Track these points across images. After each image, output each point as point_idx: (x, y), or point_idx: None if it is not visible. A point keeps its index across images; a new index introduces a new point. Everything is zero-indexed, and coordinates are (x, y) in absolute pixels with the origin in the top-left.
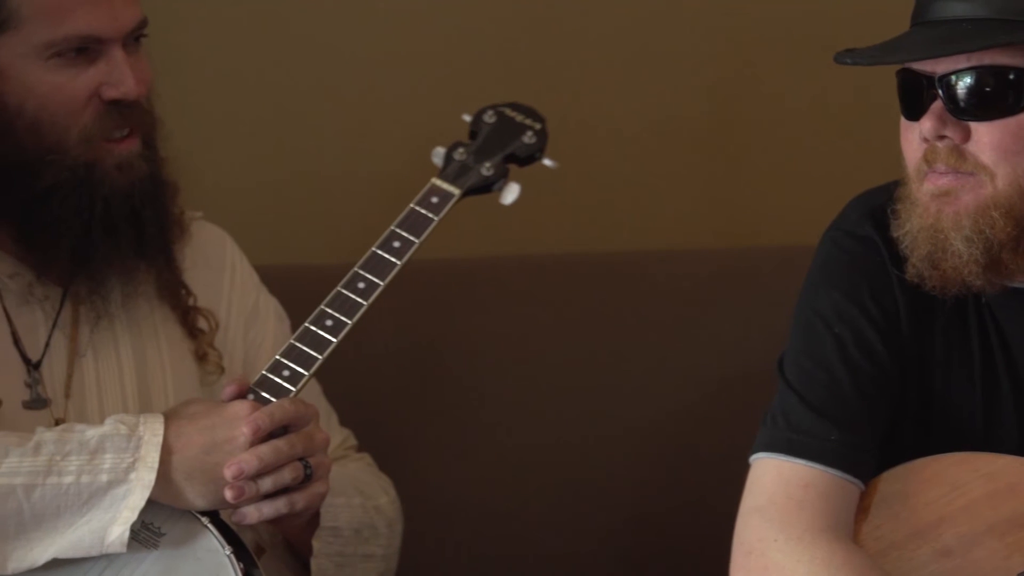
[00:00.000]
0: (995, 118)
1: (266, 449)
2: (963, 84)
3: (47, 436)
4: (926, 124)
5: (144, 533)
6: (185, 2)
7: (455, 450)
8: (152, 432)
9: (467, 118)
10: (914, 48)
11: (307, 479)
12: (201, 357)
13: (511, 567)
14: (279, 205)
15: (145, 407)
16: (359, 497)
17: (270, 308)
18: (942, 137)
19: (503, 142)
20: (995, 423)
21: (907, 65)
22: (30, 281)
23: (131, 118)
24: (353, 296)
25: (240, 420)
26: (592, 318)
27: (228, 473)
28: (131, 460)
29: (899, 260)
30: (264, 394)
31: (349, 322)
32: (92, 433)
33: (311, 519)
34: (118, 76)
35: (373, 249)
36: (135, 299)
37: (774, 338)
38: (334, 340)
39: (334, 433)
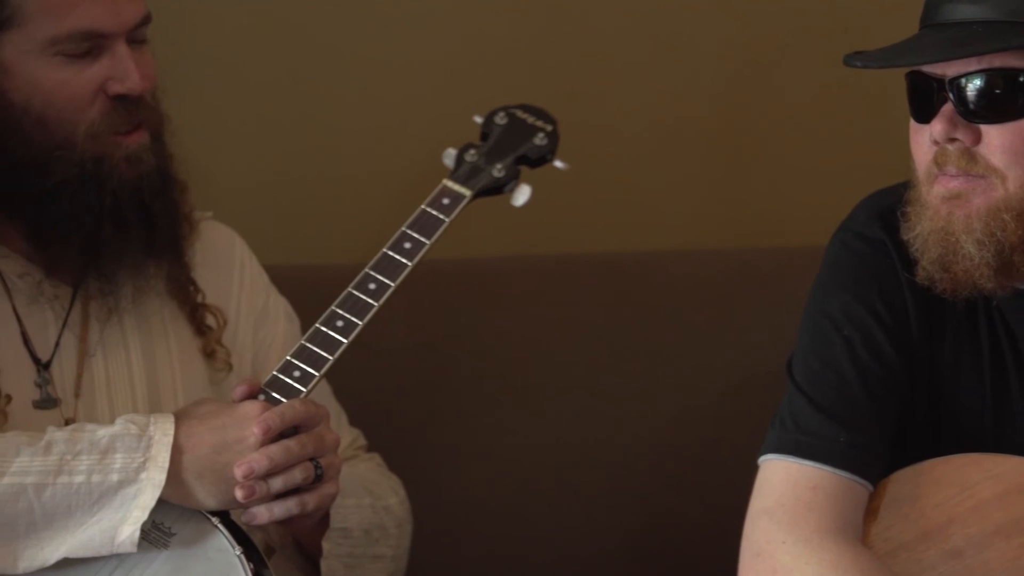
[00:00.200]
0: (1006, 120)
1: (276, 449)
2: (974, 87)
3: (58, 436)
4: (937, 127)
5: (154, 533)
6: (196, 4)
7: (465, 450)
8: (163, 432)
9: (478, 119)
10: (925, 51)
11: (318, 479)
12: (209, 354)
13: (520, 567)
14: (290, 206)
15: (154, 407)
16: (369, 498)
17: (280, 308)
18: (953, 140)
19: (514, 144)
20: (1004, 424)
21: (917, 68)
22: (39, 280)
23: (137, 113)
24: (364, 297)
25: (251, 420)
26: (602, 319)
27: (239, 472)
28: (142, 460)
29: (909, 262)
30: (275, 394)
31: (360, 323)
32: (103, 433)
33: (321, 520)
34: (123, 71)
35: (384, 250)
36: (145, 295)
37: (783, 339)
38: (345, 341)
39: (344, 433)
